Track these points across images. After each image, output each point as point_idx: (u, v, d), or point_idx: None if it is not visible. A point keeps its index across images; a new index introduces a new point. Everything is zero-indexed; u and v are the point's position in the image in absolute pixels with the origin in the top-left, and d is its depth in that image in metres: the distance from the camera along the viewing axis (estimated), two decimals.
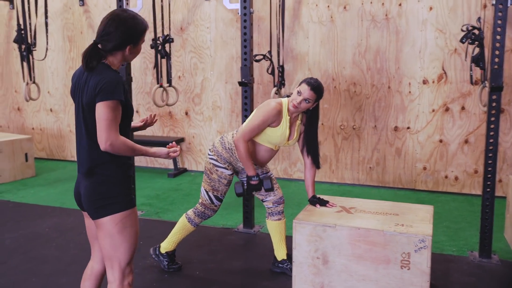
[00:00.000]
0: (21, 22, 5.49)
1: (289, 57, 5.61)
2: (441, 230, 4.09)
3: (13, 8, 6.46)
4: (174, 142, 2.30)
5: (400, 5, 5.16)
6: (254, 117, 3.07)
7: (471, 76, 4.08)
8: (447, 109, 5.14)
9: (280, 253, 3.29)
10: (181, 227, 3.30)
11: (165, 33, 5.05)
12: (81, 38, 6.44)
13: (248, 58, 3.90)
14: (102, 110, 1.97)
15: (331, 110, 5.54)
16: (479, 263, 3.44)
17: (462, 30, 3.98)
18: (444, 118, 5.17)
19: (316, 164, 3.21)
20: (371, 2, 5.24)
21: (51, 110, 6.78)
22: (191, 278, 3.23)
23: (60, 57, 6.59)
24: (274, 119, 3.06)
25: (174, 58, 6.04)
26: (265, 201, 3.30)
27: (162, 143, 5.86)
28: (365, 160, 5.50)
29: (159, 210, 4.64)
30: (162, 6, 4.89)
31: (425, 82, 5.18)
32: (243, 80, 3.90)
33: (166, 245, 3.32)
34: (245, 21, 3.87)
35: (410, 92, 5.24)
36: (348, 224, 2.73)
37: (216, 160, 3.18)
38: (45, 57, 5.75)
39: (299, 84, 3.04)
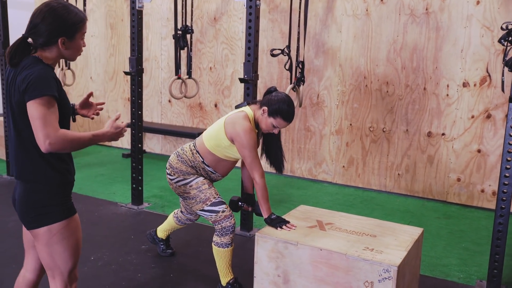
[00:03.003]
0: None
1: (320, 52, 5.31)
2: (456, 252, 3.68)
3: None
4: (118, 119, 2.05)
5: None
6: (248, 147, 2.76)
7: (502, 82, 3.59)
8: (488, 116, 4.61)
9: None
10: (220, 257, 2.93)
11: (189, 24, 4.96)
12: (121, 26, 6.54)
13: (252, 54, 3.70)
14: (34, 109, 1.79)
15: (361, 110, 5.18)
16: None
17: (502, 29, 3.50)
18: (484, 126, 4.64)
19: (278, 168, 2.98)
20: None
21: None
22: (159, 279, 3.15)
23: (102, 43, 6.75)
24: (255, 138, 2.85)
25: (207, 49, 5.96)
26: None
27: (192, 134, 5.81)
28: (394, 166, 5.10)
29: (166, 203, 4.60)
30: None
31: (465, 85, 4.68)
32: (245, 76, 3.72)
33: (222, 279, 2.98)
34: (250, 14, 3.67)
35: (447, 95, 4.76)
36: (312, 243, 2.49)
37: (184, 179, 2.94)
38: None
39: (271, 114, 2.79)
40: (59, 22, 1.90)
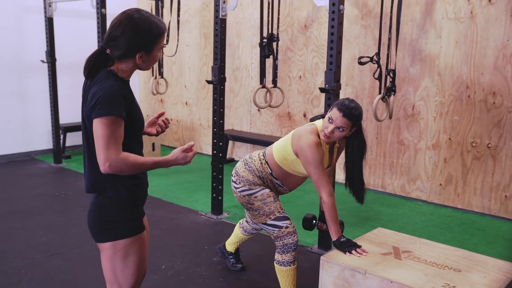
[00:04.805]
0: None
1: (416, 59, 4.89)
2: None
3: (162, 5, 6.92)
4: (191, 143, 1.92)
5: None
6: (313, 163, 2.54)
7: None
8: None
9: None
10: (283, 276, 2.78)
11: (275, 32, 4.84)
12: None
13: (334, 62, 3.47)
14: (98, 128, 1.74)
15: (462, 123, 4.67)
16: None
17: None
18: None
19: (359, 199, 2.70)
20: None
21: (186, 103, 7.17)
22: None
23: (196, 53, 6.89)
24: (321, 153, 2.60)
25: (297, 57, 5.80)
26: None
27: None
28: (500, 186, 4.52)
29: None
30: (269, 4, 4.68)
31: None
32: (326, 86, 3.49)
33: None
34: (332, 19, 3.44)
35: None
36: (382, 273, 2.20)
37: (249, 189, 2.77)
38: (174, 54, 6.05)
39: (331, 109, 2.57)
40: (139, 37, 1.81)
